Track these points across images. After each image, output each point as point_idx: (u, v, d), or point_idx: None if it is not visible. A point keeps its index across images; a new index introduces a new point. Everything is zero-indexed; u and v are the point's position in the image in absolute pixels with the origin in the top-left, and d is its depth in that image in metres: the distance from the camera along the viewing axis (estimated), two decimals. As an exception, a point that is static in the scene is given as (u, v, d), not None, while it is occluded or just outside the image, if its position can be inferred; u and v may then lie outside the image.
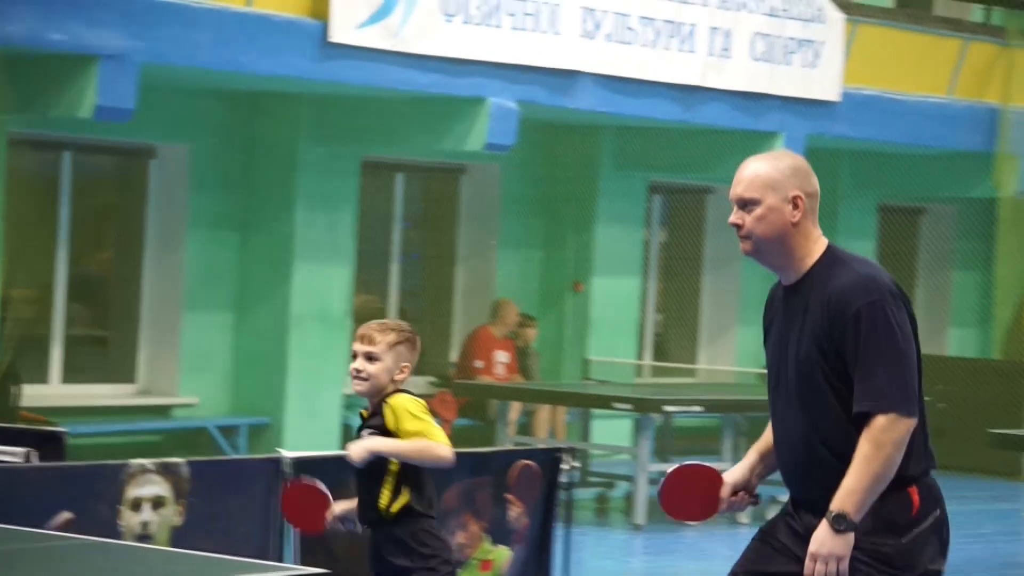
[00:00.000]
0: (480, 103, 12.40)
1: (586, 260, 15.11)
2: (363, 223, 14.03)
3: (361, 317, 14.46)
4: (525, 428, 13.87)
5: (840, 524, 4.46)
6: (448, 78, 12.20)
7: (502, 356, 14.08)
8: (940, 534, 4.57)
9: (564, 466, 7.38)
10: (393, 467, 5.34)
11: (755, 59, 13.79)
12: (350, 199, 13.60)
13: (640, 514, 11.59)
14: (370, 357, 5.38)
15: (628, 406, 11.94)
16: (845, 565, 4.47)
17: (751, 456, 4.83)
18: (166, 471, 6.22)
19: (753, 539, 4.78)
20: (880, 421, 4.46)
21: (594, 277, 15.10)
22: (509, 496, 7.13)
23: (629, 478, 12.19)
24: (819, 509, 4.58)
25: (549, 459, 7.35)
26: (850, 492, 4.46)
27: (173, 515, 6.22)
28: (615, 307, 15.19)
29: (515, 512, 7.15)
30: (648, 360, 16.06)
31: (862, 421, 4.49)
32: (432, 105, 12.59)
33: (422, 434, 5.33)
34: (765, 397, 14.66)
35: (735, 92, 13.73)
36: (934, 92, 15.16)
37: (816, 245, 4.65)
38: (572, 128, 14.88)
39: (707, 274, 16.62)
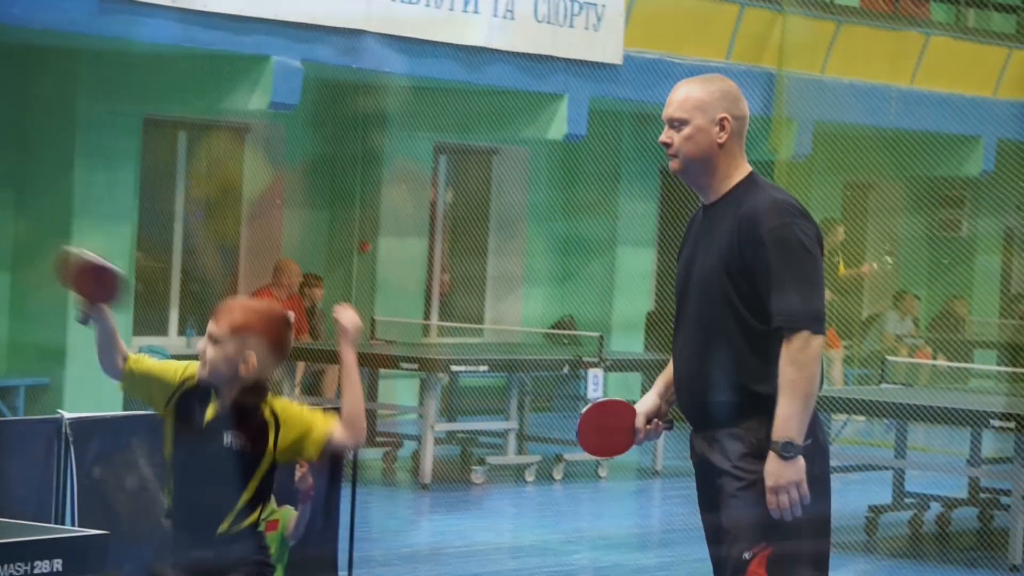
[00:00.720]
0: (264, 62, 12.28)
1: (373, 220, 15.10)
2: (145, 182, 13.81)
3: (144, 277, 14.25)
4: (312, 388, 13.83)
5: (788, 451, 4.55)
6: (231, 36, 12.05)
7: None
8: (813, 463, 4.64)
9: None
10: (262, 470, 4.63)
11: (539, 21, 13.89)
12: (131, 157, 13.37)
13: (427, 473, 11.65)
14: (212, 339, 4.72)
15: (415, 366, 11.98)
16: (804, 488, 4.56)
17: (659, 384, 4.92)
18: (-60, 433, 6.07)
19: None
20: (795, 341, 4.57)
21: (381, 237, 15.10)
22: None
23: (416, 437, 12.24)
24: (703, 427, 4.69)
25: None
26: (787, 419, 4.55)
27: (-52, 478, 6.07)
28: (402, 267, 15.21)
29: (300, 472, 7.13)
30: (435, 320, 16.13)
31: (771, 339, 4.59)
32: (216, 63, 12.43)
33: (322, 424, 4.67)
34: (549, 356, 14.81)
35: (519, 54, 13.82)
36: (713, 56, 15.44)
37: (739, 169, 4.78)
38: (358, 87, 14.83)
39: (493, 234, 16.73)
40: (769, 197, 4.69)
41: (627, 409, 4.91)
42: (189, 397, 4.77)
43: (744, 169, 4.77)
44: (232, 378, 4.68)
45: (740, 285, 4.63)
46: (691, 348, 4.73)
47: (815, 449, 4.65)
